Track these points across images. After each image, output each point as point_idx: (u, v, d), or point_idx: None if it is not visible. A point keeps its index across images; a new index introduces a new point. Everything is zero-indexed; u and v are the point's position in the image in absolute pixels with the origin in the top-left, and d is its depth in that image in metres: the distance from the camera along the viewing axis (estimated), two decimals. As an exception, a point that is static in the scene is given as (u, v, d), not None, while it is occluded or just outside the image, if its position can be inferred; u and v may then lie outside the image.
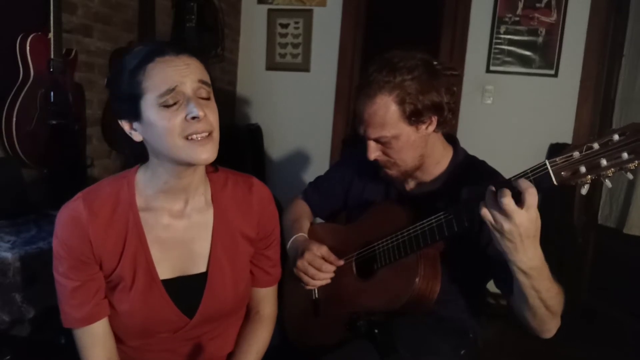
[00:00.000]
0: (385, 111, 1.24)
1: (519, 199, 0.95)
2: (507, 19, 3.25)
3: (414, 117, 1.25)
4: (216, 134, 1.01)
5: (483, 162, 1.39)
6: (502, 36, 3.27)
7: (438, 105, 1.26)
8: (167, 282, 1.09)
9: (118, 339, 1.13)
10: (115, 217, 1.06)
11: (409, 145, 1.29)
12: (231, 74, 3.68)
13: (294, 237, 1.49)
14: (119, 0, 2.53)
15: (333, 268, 1.38)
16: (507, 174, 1.14)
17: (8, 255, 1.45)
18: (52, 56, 1.97)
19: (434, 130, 1.30)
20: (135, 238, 1.07)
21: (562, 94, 3.20)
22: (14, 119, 1.89)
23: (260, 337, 1.24)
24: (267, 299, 1.28)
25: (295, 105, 3.66)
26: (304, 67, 3.61)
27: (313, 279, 1.38)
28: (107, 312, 1.09)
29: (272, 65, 3.68)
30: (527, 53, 3.24)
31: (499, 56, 3.29)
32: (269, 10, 3.62)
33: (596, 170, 0.92)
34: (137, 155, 1.07)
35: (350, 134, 3.57)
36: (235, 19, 3.63)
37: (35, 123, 1.95)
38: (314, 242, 1.42)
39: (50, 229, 1.31)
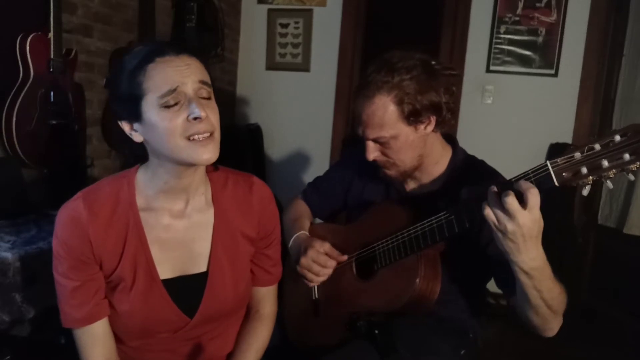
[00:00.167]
0: (384, 111, 1.24)
1: (521, 200, 0.95)
2: (507, 19, 3.25)
3: (412, 117, 1.25)
4: (217, 134, 1.01)
5: (482, 162, 1.39)
6: (502, 36, 3.27)
7: (437, 105, 1.26)
8: (167, 282, 1.09)
9: (118, 339, 1.13)
10: (116, 217, 1.06)
11: (408, 146, 1.29)
12: (231, 74, 3.68)
13: (296, 235, 1.49)
14: (119, 0, 2.53)
15: (335, 264, 1.37)
16: (507, 174, 1.14)
17: (8, 255, 1.45)
18: (52, 56, 1.97)
19: (433, 130, 1.30)
20: (135, 238, 1.07)
21: (562, 94, 3.20)
22: (14, 119, 1.89)
23: (260, 336, 1.24)
24: (267, 298, 1.28)
25: (295, 105, 3.66)
26: (304, 67, 3.61)
27: (317, 275, 1.37)
28: (107, 312, 1.09)
29: (272, 65, 3.68)
30: (527, 53, 3.24)
31: (499, 56, 3.28)
32: (269, 10, 3.62)
33: (597, 172, 0.92)
34: (137, 155, 1.07)
35: (350, 134, 3.56)
36: (235, 19, 3.63)
37: (35, 123, 1.95)
38: (317, 239, 1.42)
39: (50, 229, 1.31)
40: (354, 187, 1.54)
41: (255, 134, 3.62)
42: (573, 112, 3.21)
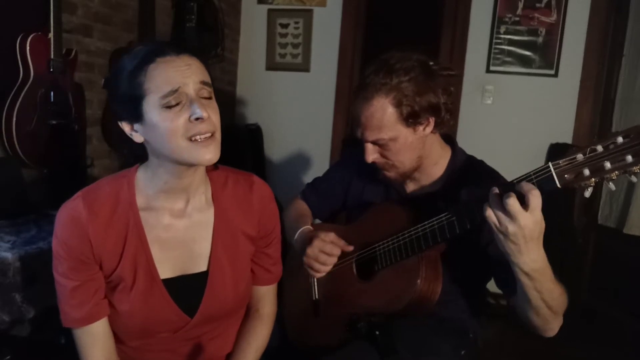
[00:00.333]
0: (383, 113, 1.24)
1: (522, 201, 0.95)
2: (507, 19, 3.25)
3: (411, 118, 1.25)
4: (218, 134, 1.01)
5: (481, 162, 1.39)
6: (502, 36, 3.26)
7: (435, 106, 1.26)
8: (167, 282, 1.09)
9: (118, 340, 1.13)
10: (115, 217, 1.05)
11: (407, 147, 1.29)
12: (231, 74, 3.68)
13: (301, 229, 1.48)
14: (119, 0, 2.52)
15: (339, 252, 1.36)
16: (507, 174, 1.14)
17: (8, 255, 1.45)
18: (52, 56, 1.97)
19: (432, 131, 1.30)
20: (135, 238, 1.07)
21: (562, 94, 3.20)
22: (14, 119, 1.89)
23: (260, 335, 1.24)
24: (267, 297, 1.27)
25: (295, 105, 3.66)
26: (304, 67, 3.61)
27: (324, 265, 1.35)
28: (107, 312, 1.09)
29: (272, 65, 3.68)
30: (527, 53, 3.24)
31: (499, 56, 3.28)
32: (269, 10, 3.62)
33: (600, 173, 0.91)
34: (136, 155, 1.07)
35: (350, 134, 3.56)
36: (235, 19, 3.62)
37: (35, 123, 1.95)
38: (321, 230, 1.41)
39: (50, 229, 1.31)
40: (354, 187, 1.53)
41: (255, 134, 3.62)
42: (573, 112, 3.21)
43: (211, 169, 1.16)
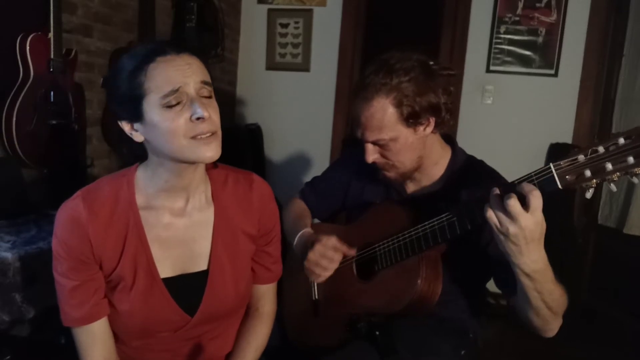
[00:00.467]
0: (383, 114, 1.24)
1: (523, 202, 0.95)
2: (507, 19, 3.25)
3: (411, 119, 1.25)
4: (219, 133, 1.01)
5: (481, 162, 1.39)
6: (502, 36, 3.26)
7: (435, 106, 1.26)
8: (167, 281, 1.09)
9: (119, 340, 1.13)
10: (115, 216, 1.05)
11: (407, 147, 1.29)
12: (231, 74, 3.68)
13: (301, 232, 1.47)
14: (119, 0, 2.52)
15: (341, 257, 1.35)
16: (507, 174, 1.14)
17: (8, 255, 1.45)
18: (52, 56, 1.97)
19: (432, 131, 1.30)
20: (135, 237, 1.06)
21: (562, 94, 3.20)
22: (14, 119, 1.88)
23: (260, 334, 1.24)
24: (267, 296, 1.27)
25: (295, 105, 3.66)
26: (304, 67, 3.61)
27: (326, 269, 1.34)
28: (107, 311, 1.09)
29: (272, 65, 3.68)
30: (527, 53, 3.24)
31: (499, 56, 3.28)
32: (269, 10, 3.62)
33: (601, 175, 0.91)
34: (136, 155, 1.07)
35: (350, 134, 3.55)
36: (235, 19, 3.62)
37: (35, 123, 1.95)
38: (322, 234, 1.39)
39: (50, 229, 1.31)
40: (353, 187, 1.53)
41: (255, 134, 3.62)
42: (573, 112, 3.21)
43: (211, 168, 1.15)
